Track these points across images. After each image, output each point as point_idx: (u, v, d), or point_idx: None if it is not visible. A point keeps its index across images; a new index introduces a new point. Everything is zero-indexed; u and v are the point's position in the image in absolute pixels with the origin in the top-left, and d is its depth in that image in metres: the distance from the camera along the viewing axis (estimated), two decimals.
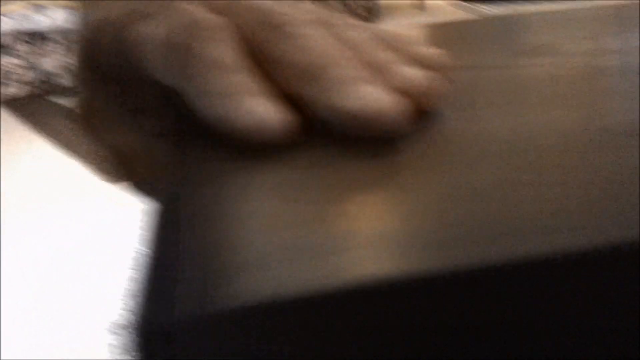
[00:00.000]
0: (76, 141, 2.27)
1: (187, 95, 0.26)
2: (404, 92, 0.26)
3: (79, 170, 2.02)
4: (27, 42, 2.92)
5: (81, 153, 2.15)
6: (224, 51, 0.26)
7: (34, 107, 2.76)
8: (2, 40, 2.87)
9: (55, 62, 2.99)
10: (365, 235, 0.19)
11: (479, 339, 0.18)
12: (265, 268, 0.18)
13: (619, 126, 0.25)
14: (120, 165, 0.36)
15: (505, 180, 0.21)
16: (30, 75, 2.94)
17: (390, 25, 0.29)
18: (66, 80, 3.03)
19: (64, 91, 2.96)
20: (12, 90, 2.91)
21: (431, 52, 0.30)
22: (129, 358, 0.17)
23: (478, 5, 3.95)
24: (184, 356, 0.17)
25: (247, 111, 0.24)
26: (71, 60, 0.34)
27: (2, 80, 2.87)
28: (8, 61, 2.88)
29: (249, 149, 0.25)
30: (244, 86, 0.26)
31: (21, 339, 1.19)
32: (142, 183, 0.38)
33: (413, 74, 0.27)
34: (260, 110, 0.24)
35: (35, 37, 2.94)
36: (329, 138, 0.25)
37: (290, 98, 0.26)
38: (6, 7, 2.82)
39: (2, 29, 2.83)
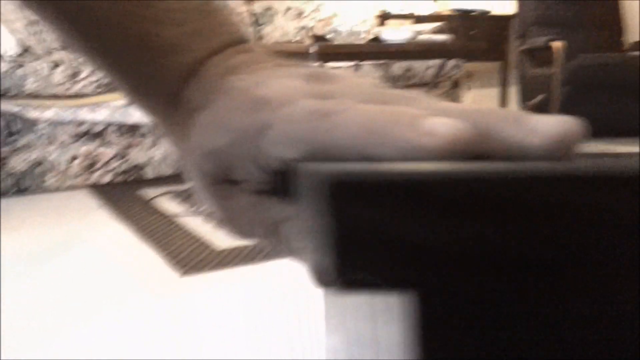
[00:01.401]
0: (150, 232, 2.29)
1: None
2: None
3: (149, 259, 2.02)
4: (118, 132, 3.02)
5: (156, 241, 2.16)
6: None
7: (118, 194, 2.82)
8: (95, 128, 2.97)
9: (142, 153, 3.07)
10: None
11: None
12: None
13: None
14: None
15: None
16: (117, 164, 3.02)
17: None
18: (150, 172, 3.09)
19: (147, 182, 3.03)
20: (97, 176, 2.99)
21: None
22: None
23: None
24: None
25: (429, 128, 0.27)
26: (190, 184, 0.39)
27: (89, 165, 2.96)
28: (99, 150, 2.98)
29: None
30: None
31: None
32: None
33: None
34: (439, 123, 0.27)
35: (127, 129, 3.04)
36: None
37: None
38: (104, 98, 2.93)
39: (96, 117, 2.94)
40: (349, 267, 0.22)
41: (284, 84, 0.35)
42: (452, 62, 3.81)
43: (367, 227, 0.21)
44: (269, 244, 0.39)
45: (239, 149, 0.35)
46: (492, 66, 5.28)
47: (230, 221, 0.39)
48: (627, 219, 0.21)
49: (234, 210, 0.38)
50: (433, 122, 0.27)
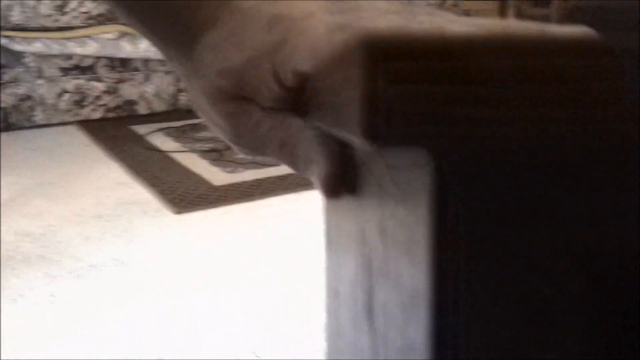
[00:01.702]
0: (145, 167, 2.22)
1: None
2: None
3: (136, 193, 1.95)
4: (109, 66, 2.92)
5: (148, 180, 2.09)
6: None
7: (109, 130, 2.73)
8: (85, 62, 2.87)
9: (134, 89, 2.98)
10: None
11: None
12: None
13: None
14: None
15: None
16: (108, 99, 2.93)
17: None
18: (143, 108, 3.00)
19: (139, 118, 2.94)
20: (87, 111, 2.90)
21: None
22: None
23: None
24: None
25: None
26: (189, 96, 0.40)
27: (79, 100, 2.87)
28: (88, 83, 2.88)
29: None
30: None
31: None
32: None
33: None
34: None
35: (118, 63, 2.94)
36: None
37: None
38: (93, 30, 2.82)
39: (86, 51, 2.83)
40: (384, 123, 0.24)
41: (298, 1, 0.35)
42: (450, 1, 3.71)
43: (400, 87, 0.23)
44: (279, 160, 0.40)
45: (256, 65, 0.36)
46: (491, 4, 5.19)
47: (241, 138, 0.40)
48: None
49: (246, 126, 0.39)
50: None
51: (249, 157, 0.43)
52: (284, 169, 2.18)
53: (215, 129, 0.41)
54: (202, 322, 1.24)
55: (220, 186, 2.04)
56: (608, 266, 0.24)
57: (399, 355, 0.29)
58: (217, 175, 2.14)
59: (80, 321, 1.25)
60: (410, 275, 0.26)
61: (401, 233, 0.28)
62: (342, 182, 0.38)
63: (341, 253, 0.46)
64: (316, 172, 0.37)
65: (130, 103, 2.98)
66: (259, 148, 0.40)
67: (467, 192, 0.23)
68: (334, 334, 0.52)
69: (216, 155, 2.36)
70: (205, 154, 2.38)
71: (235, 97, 0.38)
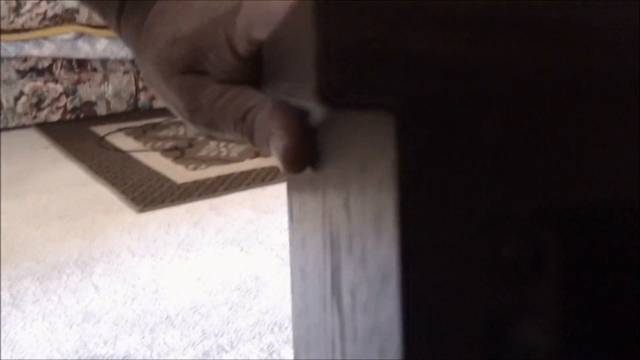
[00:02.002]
0: (106, 167, 2.19)
1: None
2: None
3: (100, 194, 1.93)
4: (67, 68, 2.88)
5: (109, 179, 2.06)
6: None
7: (69, 132, 2.69)
8: (41, 63, 2.82)
9: (93, 89, 2.94)
10: None
11: None
12: None
13: None
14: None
15: None
16: (66, 101, 2.88)
17: None
18: (102, 109, 2.97)
19: (99, 119, 2.90)
20: (45, 114, 2.85)
21: None
22: None
23: None
24: None
25: None
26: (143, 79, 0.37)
27: (37, 103, 2.82)
28: (46, 85, 2.83)
29: None
30: None
31: None
32: None
33: None
34: None
35: (76, 64, 2.90)
36: None
37: None
38: (50, 31, 2.78)
39: (43, 52, 2.79)
40: (344, 83, 0.21)
41: None
42: None
43: (358, 38, 0.21)
44: (236, 135, 0.39)
45: (209, 33, 0.35)
46: None
47: (196, 114, 0.38)
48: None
49: (201, 101, 0.37)
50: None
51: (205, 133, 0.40)
52: (247, 165, 2.18)
53: (168, 105, 0.40)
54: (168, 318, 1.23)
55: (183, 183, 2.02)
56: (588, 226, 0.23)
57: (367, 336, 0.28)
58: (179, 173, 2.12)
59: (42, 323, 1.23)
60: (377, 252, 0.25)
61: (367, 207, 0.27)
62: (303, 156, 0.36)
63: (306, 231, 0.45)
64: (276, 145, 0.36)
65: (89, 104, 2.94)
66: (215, 123, 0.38)
67: (432, 153, 0.22)
68: (300, 314, 0.51)
69: (178, 154, 2.34)
70: (167, 152, 2.36)
71: (188, 69, 0.36)
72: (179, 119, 0.40)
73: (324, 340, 0.39)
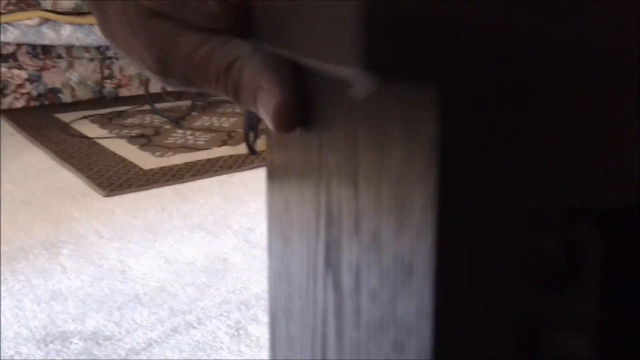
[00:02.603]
0: (72, 153, 2.19)
1: None
2: None
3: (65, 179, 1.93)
4: (31, 54, 2.86)
5: (75, 165, 2.06)
6: None
7: (34, 119, 2.67)
8: (5, 49, 2.80)
9: (58, 76, 2.92)
10: None
11: None
12: None
13: None
14: None
15: None
16: (30, 88, 2.86)
17: None
18: (67, 96, 2.95)
19: (64, 106, 2.88)
20: (9, 100, 2.83)
21: None
22: None
23: None
24: None
25: None
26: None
27: (1, 89, 2.79)
28: (10, 71, 2.81)
29: None
30: None
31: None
32: None
33: None
34: None
35: (40, 50, 2.87)
36: None
37: None
38: (14, 17, 2.75)
39: (7, 38, 2.76)
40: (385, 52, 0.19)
41: None
42: None
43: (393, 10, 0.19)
44: (216, 90, 0.36)
45: None
46: None
47: (170, 68, 0.34)
48: None
49: (176, 53, 0.34)
50: None
51: (177, 88, 0.35)
52: (215, 152, 2.19)
53: (133, 59, 0.35)
54: (136, 296, 1.25)
55: (149, 170, 2.03)
56: (627, 226, 0.21)
57: (377, 325, 0.26)
58: (146, 159, 2.13)
59: (10, 301, 1.23)
60: (399, 241, 0.23)
61: (385, 189, 0.24)
62: (294, 114, 0.33)
63: (291, 194, 0.43)
64: (265, 101, 0.33)
65: (54, 91, 2.92)
66: (192, 77, 0.35)
67: (474, 139, 0.20)
68: (280, 277, 0.45)
69: (145, 141, 2.34)
70: (133, 139, 2.36)
71: (162, 16, 0.33)
72: (149, 74, 0.36)
73: (312, 313, 0.37)
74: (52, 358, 1.05)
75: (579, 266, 0.21)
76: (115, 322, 1.16)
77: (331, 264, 0.32)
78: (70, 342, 1.10)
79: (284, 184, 0.45)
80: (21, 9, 2.77)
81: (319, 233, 0.34)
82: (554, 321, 0.21)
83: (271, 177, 0.48)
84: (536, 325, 0.21)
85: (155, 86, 2.94)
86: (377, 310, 0.26)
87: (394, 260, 0.24)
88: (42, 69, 2.88)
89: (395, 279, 0.24)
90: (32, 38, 2.81)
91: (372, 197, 0.26)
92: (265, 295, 1.12)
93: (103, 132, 2.48)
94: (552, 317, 0.21)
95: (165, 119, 2.62)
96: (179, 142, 2.34)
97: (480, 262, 0.20)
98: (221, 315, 1.17)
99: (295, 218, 0.41)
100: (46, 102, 2.91)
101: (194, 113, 2.73)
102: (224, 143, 2.31)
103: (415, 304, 0.22)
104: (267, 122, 0.34)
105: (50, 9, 2.80)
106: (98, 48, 3.00)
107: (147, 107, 2.73)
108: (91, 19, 2.86)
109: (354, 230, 0.28)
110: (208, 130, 2.50)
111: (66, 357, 1.06)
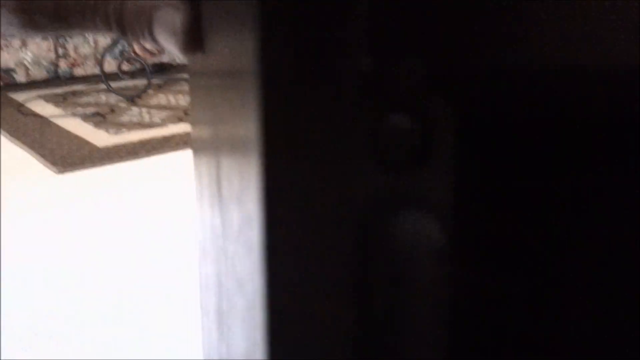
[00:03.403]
0: (25, 132, 2.16)
1: None
2: None
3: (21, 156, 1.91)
4: None
5: (28, 143, 2.04)
6: None
7: None
8: None
9: (12, 55, 2.87)
10: None
11: None
12: None
13: None
14: None
15: None
16: None
17: None
18: (21, 76, 2.91)
19: (19, 86, 2.84)
20: None
21: None
22: None
23: None
24: None
25: None
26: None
27: None
28: None
29: None
30: None
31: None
32: None
33: None
34: None
35: None
36: None
37: None
38: None
39: None
40: None
41: None
42: None
43: None
44: (92, 25, 0.32)
45: None
46: None
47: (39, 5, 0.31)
48: None
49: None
50: None
51: (45, 32, 0.31)
52: (170, 130, 2.18)
53: None
54: (87, 278, 1.25)
55: (104, 147, 2.01)
56: (480, 101, 0.19)
57: (237, 230, 0.27)
58: (101, 137, 2.11)
59: None
60: (241, 196, 0.23)
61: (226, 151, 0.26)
62: (202, 31, 0.30)
63: (201, 164, 0.46)
64: (169, 18, 0.30)
65: (8, 71, 2.88)
66: (65, 12, 0.31)
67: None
68: (202, 286, 0.53)
69: (99, 119, 2.33)
70: (88, 118, 2.34)
71: None
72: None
73: (214, 251, 0.39)
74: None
75: (430, 143, 0.19)
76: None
77: (221, 217, 0.34)
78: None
79: (199, 157, 0.47)
80: None
81: (214, 195, 0.36)
82: (403, 202, 0.20)
83: (194, 151, 0.51)
84: (384, 207, 0.20)
85: (111, 65, 2.91)
86: (238, 215, 0.26)
87: (238, 205, 0.25)
88: None
89: (240, 216, 0.25)
90: None
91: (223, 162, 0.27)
92: None
93: (57, 110, 2.45)
94: (402, 198, 0.20)
95: (120, 98, 2.60)
96: (134, 120, 2.32)
97: (314, 134, 0.19)
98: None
99: (204, 186, 0.44)
100: (0, 83, 2.86)
101: (150, 91, 2.72)
102: (179, 120, 2.30)
103: (254, 193, 0.21)
104: (171, 43, 0.31)
105: None
106: None
107: (102, 86, 2.70)
108: None
109: (218, 193, 0.31)
110: (164, 107, 2.49)
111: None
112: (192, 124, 0.53)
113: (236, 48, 0.23)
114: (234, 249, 0.29)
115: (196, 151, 0.53)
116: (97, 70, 2.88)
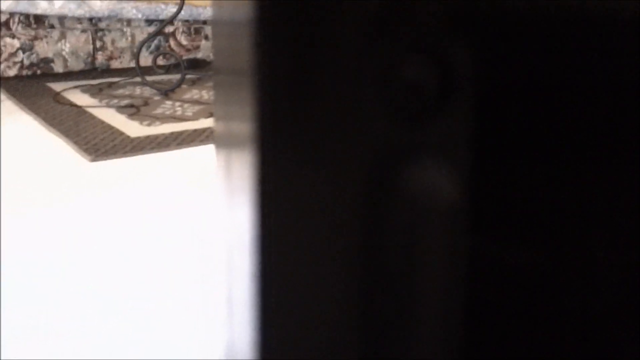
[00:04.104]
0: (60, 120, 2.21)
1: None
2: None
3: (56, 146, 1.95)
4: (24, 23, 2.87)
5: (63, 132, 2.08)
6: None
7: (25, 87, 2.69)
8: None
9: (50, 46, 2.93)
10: None
11: None
12: None
13: None
14: None
15: None
16: (23, 57, 2.88)
17: None
18: (59, 66, 2.97)
19: (56, 76, 2.90)
20: (1, 68, 2.84)
21: None
22: None
23: None
24: None
25: None
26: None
27: None
28: (3, 40, 2.82)
29: None
30: None
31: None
32: None
33: None
34: None
35: (33, 20, 2.89)
36: None
37: None
38: None
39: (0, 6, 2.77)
40: None
41: None
42: None
43: None
44: None
45: None
46: None
47: None
48: None
49: None
50: None
51: None
52: (202, 123, 2.21)
53: None
54: (118, 265, 1.28)
55: (136, 137, 2.05)
56: (499, 44, 0.18)
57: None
58: (133, 128, 2.15)
59: None
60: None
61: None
62: None
63: (223, 157, 0.49)
64: None
65: (47, 61, 2.94)
66: None
67: None
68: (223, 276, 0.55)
69: (133, 111, 2.37)
70: (122, 109, 2.39)
71: None
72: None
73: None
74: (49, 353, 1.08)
75: (448, 90, 0.18)
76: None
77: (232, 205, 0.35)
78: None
79: (218, 152, 0.49)
80: None
81: (230, 186, 0.37)
82: (418, 154, 0.18)
83: (216, 145, 0.54)
84: (398, 161, 0.19)
85: (147, 59, 2.96)
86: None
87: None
88: (35, 38, 2.89)
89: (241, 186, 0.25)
90: (24, 7, 2.82)
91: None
92: None
93: (93, 101, 2.50)
94: (417, 150, 0.18)
95: (154, 91, 2.64)
96: (167, 113, 2.36)
97: (330, 90, 0.18)
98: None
99: (222, 179, 0.45)
100: (38, 72, 2.92)
101: (184, 86, 2.76)
102: (211, 115, 2.33)
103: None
104: None
105: None
106: (91, 20, 3.01)
107: (137, 79, 2.75)
108: None
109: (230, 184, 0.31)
110: (197, 102, 2.53)
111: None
112: (214, 119, 0.55)
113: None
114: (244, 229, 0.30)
115: (216, 146, 0.55)
116: (133, 64, 2.92)
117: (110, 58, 3.08)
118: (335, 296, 0.20)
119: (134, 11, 3.06)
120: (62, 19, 2.94)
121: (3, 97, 2.56)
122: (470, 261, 0.19)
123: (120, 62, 3.12)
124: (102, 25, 3.03)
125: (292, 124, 0.19)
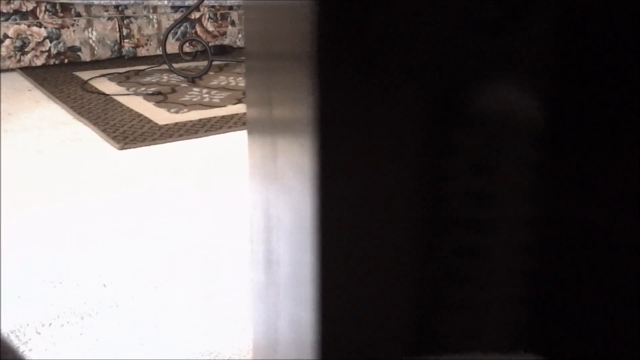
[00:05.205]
0: (88, 109, 2.20)
1: None
2: None
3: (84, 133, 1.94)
4: (50, 12, 2.86)
5: (91, 120, 2.07)
6: None
7: (52, 75, 2.69)
8: (25, 6, 2.81)
9: (77, 35, 2.93)
10: None
11: None
12: None
13: None
14: None
15: None
16: (50, 46, 2.87)
17: None
18: (86, 54, 2.96)
19: (83, 65, 2.90)
20: (29, 57, 2.84)
21: None
22: None
23: None
24: None
25: None
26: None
27: (21, 46, 2.81)
28: (30, 29, 2.82)
29: None
30: None
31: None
32: None
33: None
34: None
35: (59, 8, 2.88)
36: None
37: None
38: None
39: None
40: None
41: None
42: None
43: None
44: None
45: None
46: None
47: None
48: None
49: None
50: None
51: None
52: (229, 110, 2.19)
53: None
54: (141, 253, 1.26)
55: (164, 125, 2.04)
56: None
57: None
58: (161, 115, 2.14)
59: (22, 251, 1.25)
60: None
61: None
62: None
63: (259, 144, 0.48)
64: None
65: (73, 49, 2.94)
66: None
67: None
68: (254, 260, 0.54)
69: (161, 98, 2.35)
70: (149, 96, 2.37)
71: None
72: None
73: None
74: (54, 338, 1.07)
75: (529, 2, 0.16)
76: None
77: (276, 191, 0.34)
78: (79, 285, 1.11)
79: (254, 137, 0.48)
80: None
81: (268, 172, 0.36)
82: (494, 70, 0.17)
83: (249, 131, 0.52)
84: (473, 77, 0.17)
85: (173, 46, 2.94)
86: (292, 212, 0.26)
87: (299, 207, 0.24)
88: (62, 27, 2.89)
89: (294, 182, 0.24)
90: None
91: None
92: None
93: (120, 89, 2.49)
94: (494, 65, 0.17)
95: (182, 78, 2.62)
96: (194, 99, 2.34)
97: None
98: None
99: (257, 164, 0.44)
100: (65, 60, 2.92)
101: (211, 73, 2.74)
102: (239, 101, 2.31)
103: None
104: None
105: None
106: (117, 7, 3.00)
107: (164, 66, 2.73)
108: None
109: (274, 171, 0.31)
110: (224, 89, 2.51)
111: (75, 304, 1.07)
112: (248, 105, 0.53)
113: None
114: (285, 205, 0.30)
115: (251, 131, 0.53)
116: (159, 51, 2.91)
117: (137, 45, 3.07)
118: (396, 270, 0.20)
119: None
120: (88, 6, 2.93)
121: (31, 86, 2.56)
122: (551, 214, 0.18)
123: (147, 50, 3.10)
124: (129, 12, 3.02)
125: (354, 105, 0.18)
